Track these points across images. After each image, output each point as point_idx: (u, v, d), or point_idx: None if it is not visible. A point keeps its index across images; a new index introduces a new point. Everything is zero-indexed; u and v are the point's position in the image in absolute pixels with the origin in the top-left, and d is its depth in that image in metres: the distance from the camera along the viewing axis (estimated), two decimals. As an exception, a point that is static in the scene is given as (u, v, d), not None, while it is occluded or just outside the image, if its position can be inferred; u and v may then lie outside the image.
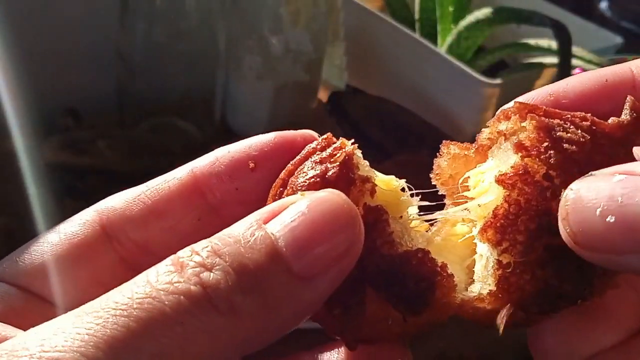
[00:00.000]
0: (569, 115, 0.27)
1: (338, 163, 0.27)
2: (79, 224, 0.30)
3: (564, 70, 0.77)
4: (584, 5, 1.15)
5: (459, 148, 0.31)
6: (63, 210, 0.70)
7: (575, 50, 0.78)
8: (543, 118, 0.27)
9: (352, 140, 0.29)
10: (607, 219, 0.21)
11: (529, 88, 1.02)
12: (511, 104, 0.29)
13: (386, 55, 0.95)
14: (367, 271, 0.27)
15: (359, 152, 0.29)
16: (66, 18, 0.85)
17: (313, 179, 0.27)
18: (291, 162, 0.29)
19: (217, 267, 0.22)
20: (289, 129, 0.31)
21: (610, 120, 0.27)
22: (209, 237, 0.24)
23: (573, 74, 0.82)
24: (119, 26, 0.77)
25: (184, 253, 0.23)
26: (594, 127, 0.27)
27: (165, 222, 0.30)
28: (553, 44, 0.79)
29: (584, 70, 0.81)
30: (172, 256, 0.23)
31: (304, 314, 0.25)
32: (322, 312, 0.27)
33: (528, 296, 0.26)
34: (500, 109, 0.30)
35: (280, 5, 0.80)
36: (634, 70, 0.29)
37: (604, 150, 0.26)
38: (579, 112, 0.27)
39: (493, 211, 0.26)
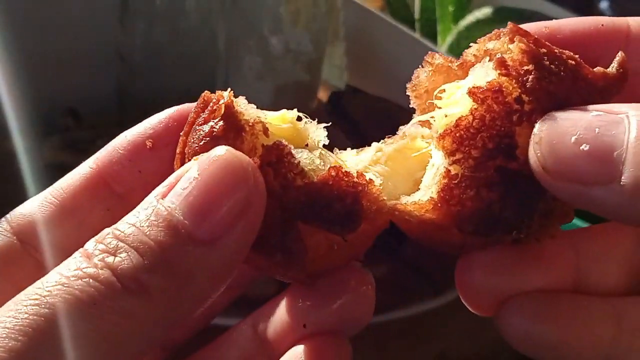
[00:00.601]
0: (557, 51, 0.26)
1: (220, 117, 0.27)
2: None
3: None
4: (584, 5, 1.15)
5: (444, 59, 0.30)
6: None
7: (575, 50, 0.78)
8: (531, 44, 0.26)
9: (229, 89, 0.28)
10: (582, 147, 0.21)
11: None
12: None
13: (386, 55, 0.95)
14: (290, 208, 0.26)
15: (240, 99, 0.28)
16: (66, 18, 0.85)
17: (203, 141, 0.26)
18: (181, 133, 0.28)
19: (121, 250, 0.23)
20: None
21: (596, 69, 0.26)
22: None
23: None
24: (119, 26, 0.77)
25: (89, 244, 0.24)
26: (579, 69, 0.26)
27: (75, 219, 0.30)
28: (553, 44, 0.80)
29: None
30: (80, 249, 0.24)
31: (220, 278, 0.24)
32: (264, 264, 0.27)
33: (467, 213, 0.25)
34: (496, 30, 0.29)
35: (280, 5, 0.80)
36: (630, 23, 0.29)
37: (581, 93, 0.25)
38: (568, 51, 0.27)
39: (456, 121, 0.25)
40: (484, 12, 0.82)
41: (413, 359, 0.68)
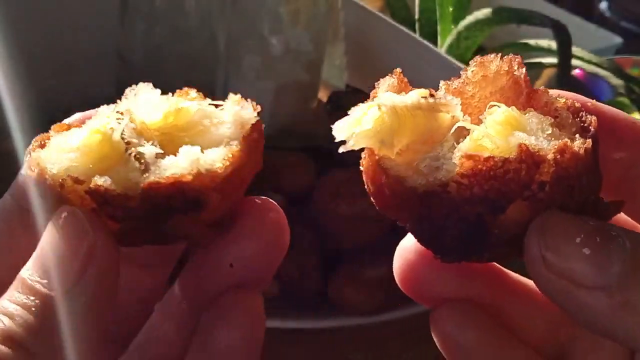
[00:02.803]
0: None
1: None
2: None
3: (563, 70, 0.77)
4: (583, 6, 1.15)
5: (506, 69, 0.26)
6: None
7: (575, 50, 0.78)
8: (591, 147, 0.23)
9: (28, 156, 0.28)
10: (584, 249, 0.22)
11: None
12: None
13: (386, 55, 0.95)
14: (143, 218, 0.25)
15: (45, 152, 0.27)
16: (66, 18, 0.85)
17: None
18: None
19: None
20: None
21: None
22: None
23: (573, 74, 0.82)
24: (119, 26, 0.77)
25: None
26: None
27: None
28: (553, 44, 0.79)
29: (583, 70, 0.81)
30: None
31: (90, 323, 0.25)
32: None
33: (425, 220, 0.24)
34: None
35: (280, 5, 0.80)
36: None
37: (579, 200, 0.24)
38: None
39: (487, 156, 0.22)
40: (484, 12, 0.82)
41: (413, 359, 0.68)
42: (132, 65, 0.79)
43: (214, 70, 0.84)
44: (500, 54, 0.26)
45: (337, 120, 0.26)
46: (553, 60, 0.81)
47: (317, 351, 0.63)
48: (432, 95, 0.25)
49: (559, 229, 0.23)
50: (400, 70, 0.26)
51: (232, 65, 0.85)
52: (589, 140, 0.22)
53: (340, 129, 0.24)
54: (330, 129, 0.26)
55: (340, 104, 0.85)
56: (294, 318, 0.63)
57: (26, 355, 0.24)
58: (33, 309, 0.24)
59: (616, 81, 0.78)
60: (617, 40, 0.95)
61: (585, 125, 0.23)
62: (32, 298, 0.24)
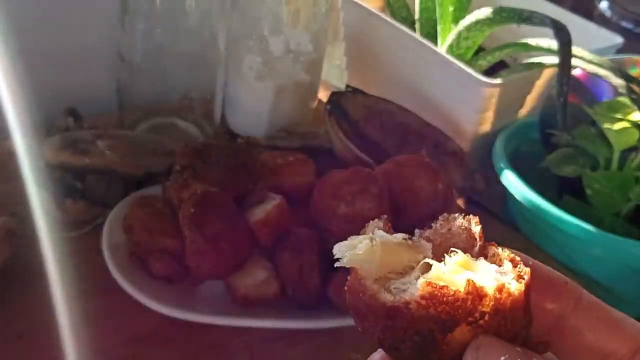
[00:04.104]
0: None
1: None
2: None
3: (564, 70, 0.77)
4: (584, 5, 1.15)
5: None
6: (63, 211, 0.70)
7: (576, 50, 0.78)
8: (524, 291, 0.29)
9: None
10: None
11: (529, 88, 1.02)
12: None
13: (386, 55, 0.95)
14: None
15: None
16: (66, 18, 0.85)
17: None
18: None
19: None
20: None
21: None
22: None
23: (573, 74, 0.82)
24: (119, 27, 0.77)
25: None
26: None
27: None
28: (553, 44, 0.79)
29: (584, 70, 0.81)
30: None
31: None
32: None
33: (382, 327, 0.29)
34: None
35: (280, 5, 0.80)
36: (584, 293, 0.32)
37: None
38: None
39: (443, 286, 0.28)
40: (484, 12, 0.82)
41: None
42: (132, 65, 0.79)
43: (214, 70, 0.84)
44: (463, 214, 0.32)
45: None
46: (553, 60, 0.81)
47: (317, 351, 0.63)
48: (410, 239, 0.31)
49: (489, 347, 0.28)
50: (387, 217, 0.32)
51: (232, 65, 0.85)
52: (522, 285, 0.28)
53: (339, 249, 0.30)
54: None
55: (340, 104, 0.85)
56: (294, 318, 0.63)
57: None
58: None
59: (617, 81, 0.78)
60: (618, 40, 0.95)
61: (522, 274, 0.29)
62: None
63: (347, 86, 1.01)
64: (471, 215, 0.33)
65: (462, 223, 0.33)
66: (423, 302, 0.28)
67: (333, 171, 0.64)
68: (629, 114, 0.78)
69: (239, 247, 0.61)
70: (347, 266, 0.30)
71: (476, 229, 0.32)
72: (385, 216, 0.32)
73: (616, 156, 0.78)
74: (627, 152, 0.78)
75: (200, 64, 0.83)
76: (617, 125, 0.77)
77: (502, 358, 0.27)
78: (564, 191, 0.81)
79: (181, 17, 0.78)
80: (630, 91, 0.78)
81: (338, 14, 1.00)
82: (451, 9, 0.88)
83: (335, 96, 0.87)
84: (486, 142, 0.87)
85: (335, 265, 0.30)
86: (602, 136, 0.78)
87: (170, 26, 0.78)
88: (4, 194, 0.69)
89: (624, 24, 1.12)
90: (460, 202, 0.86)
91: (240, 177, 0.65)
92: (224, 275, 0.62)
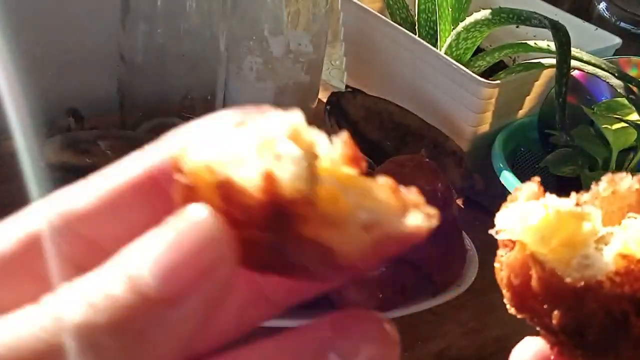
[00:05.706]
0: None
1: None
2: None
3: (562, 71, 0.77)
4: (582, 6, 1.16)
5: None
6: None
7: (574, 51, 0.78)
8: None
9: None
10: None
11: (527, 89, 1.02)
12: None
13: (386, 56, 0.95)
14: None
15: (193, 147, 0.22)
16: (67, 19, 0.85)
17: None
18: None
19: (76, 304, 0.20)
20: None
21: None
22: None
23: (572, 75, 0.82)
24: (120, 27, 0.78)
25: (44, 298, 0.21)
26: None
27: (119, 215, 0.26)
28: (552, 45, 0.80)
29: (583, 71, 0.82)
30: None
31: (179, 337, 0.22)
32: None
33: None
34: None
35: (281, 6, 0.80)
36: None
37: None
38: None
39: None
40: (483, 13, 0.83)
41: (413, 359, 0.68)
42: (133, 66, 0.79)
43: (214, 71, 0.84)
44: (630, 173, 0.28)
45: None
46: (552, 60, 0.81)
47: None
48: (578, 205, 0.27)
49: None
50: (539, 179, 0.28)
51: (233, 66, 0.85)
52: None
53: (505, 219, 0.26)
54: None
55: (340, 104, 0.85)
56: (294, 318, 0.63)
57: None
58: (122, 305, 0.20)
59: (615, 82, 0.78)
60: (616, 40, 0.95)
61: None
62: (124, 290, 0.20)
63: (347, 86, 1.02)
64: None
65: (630, 184, 0.28)
66: (617, 279, 0.24)
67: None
68: (627, 114, 0.78)
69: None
70: (514, 239, 0.26)
71: None
72: (539, 179, 0.28)
73: (614, 156, 0.78)
74: (625, 152, 0.78)
75: (201, 64, 0.83)
76: (616, 126, 0.77)
77: None
78: (563, 191, 0.81)
79: (182, 18, 0.78)
80: (628, 91, 0.78)
81: (338, 14, 1.00)
82: (450, 9, 0.88)
83: (335, 96, 0.87)
84: (485, 143, 0.87)
85: (498, 237, 0.26)
86: (601, 136, 0.79)
87: (171, 27, 0.78)
88: (4, 194, 0.70)
89: (623, 24, 1.12)
90: (459, 201, 0.86)
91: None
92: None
